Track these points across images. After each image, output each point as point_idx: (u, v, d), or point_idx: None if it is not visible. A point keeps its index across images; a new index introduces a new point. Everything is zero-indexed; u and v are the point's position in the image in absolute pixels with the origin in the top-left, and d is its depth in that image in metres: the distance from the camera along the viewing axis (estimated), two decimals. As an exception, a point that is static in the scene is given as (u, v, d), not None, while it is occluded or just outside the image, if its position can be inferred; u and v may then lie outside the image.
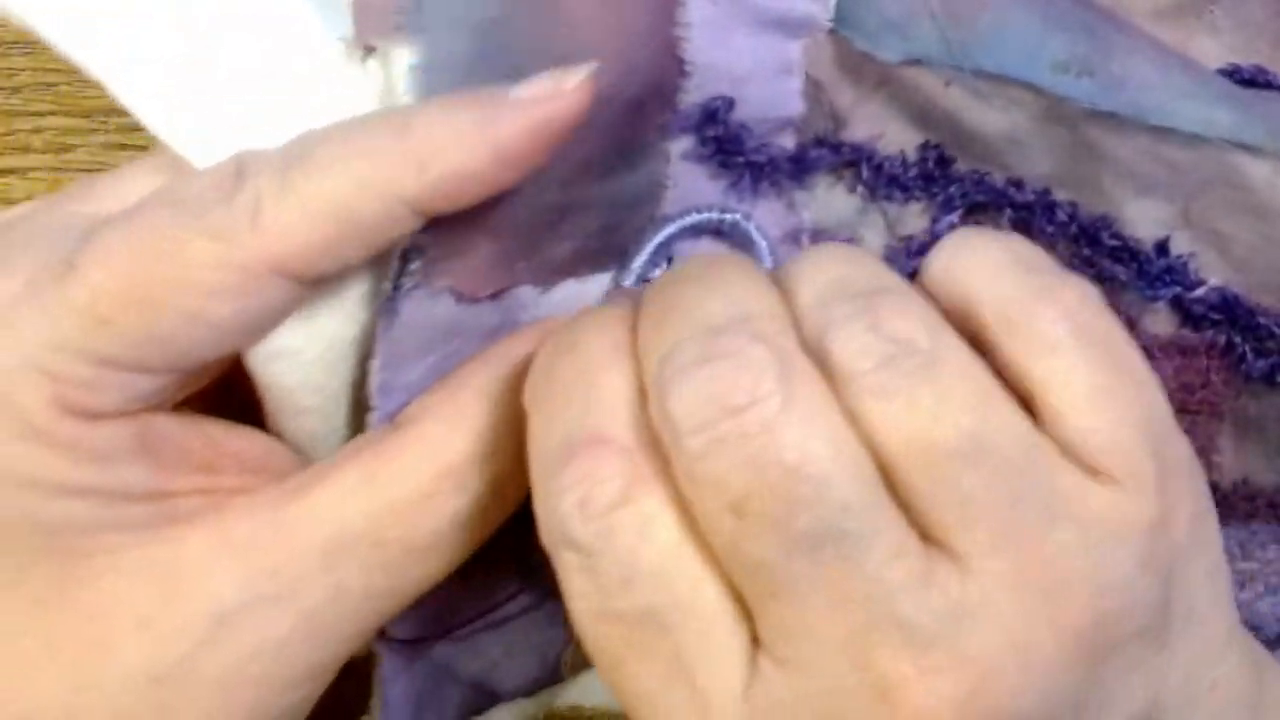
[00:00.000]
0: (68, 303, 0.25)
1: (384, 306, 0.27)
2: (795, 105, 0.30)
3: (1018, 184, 0.32)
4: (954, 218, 0.32)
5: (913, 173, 0.32)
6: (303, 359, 0.27)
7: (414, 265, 0.27)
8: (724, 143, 0.30)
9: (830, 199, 0.32)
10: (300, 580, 0.26)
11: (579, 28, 0.27)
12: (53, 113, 0.37)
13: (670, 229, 0.30)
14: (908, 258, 0.32)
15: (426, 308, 0.27)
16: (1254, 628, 0.30)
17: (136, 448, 0.26)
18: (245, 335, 0.26)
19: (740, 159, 0.30)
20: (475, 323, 0.28)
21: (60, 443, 0.25)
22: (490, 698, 0.34)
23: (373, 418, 0.28)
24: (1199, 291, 0.31)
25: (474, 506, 0.27)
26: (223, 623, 0.26)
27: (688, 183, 0.30)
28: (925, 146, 0.31)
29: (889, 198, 0.32)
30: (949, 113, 0.31)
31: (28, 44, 0.39)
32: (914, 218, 0.32)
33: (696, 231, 0.30)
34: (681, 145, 0.30)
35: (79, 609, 0.26)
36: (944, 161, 0.32)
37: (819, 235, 0.32)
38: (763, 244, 0.31)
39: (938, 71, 0.30)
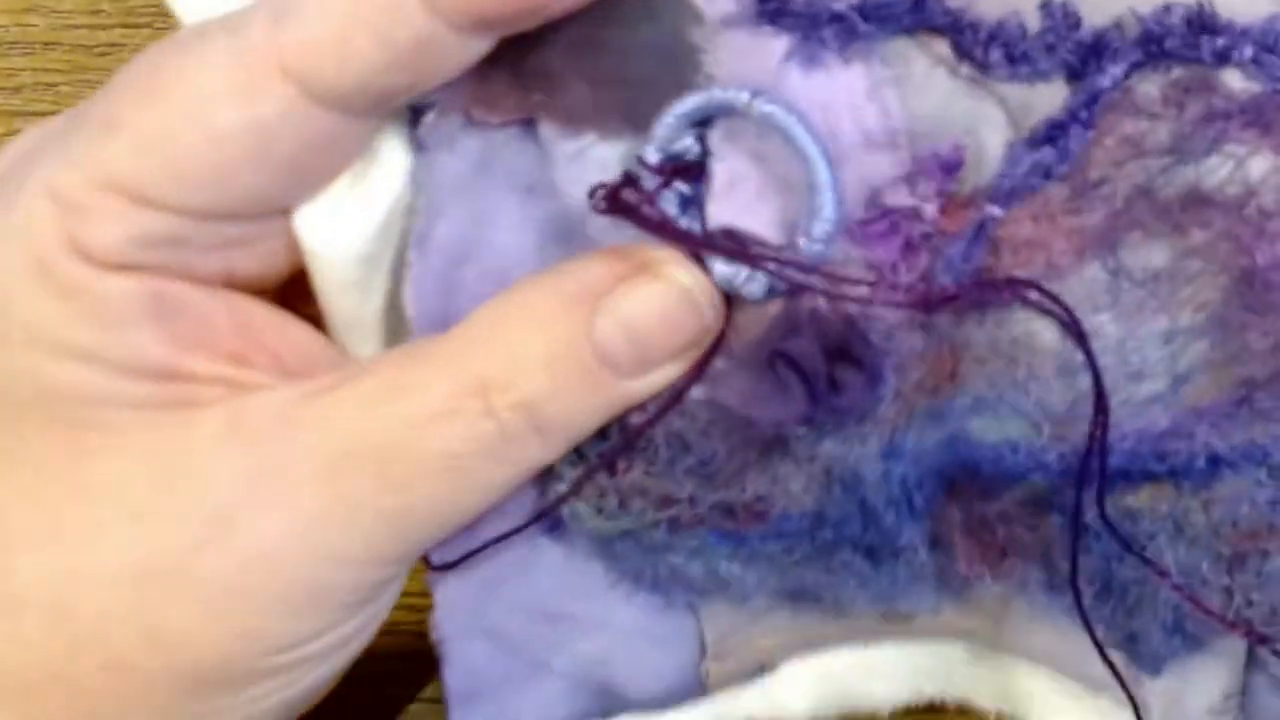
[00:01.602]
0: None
1: (415, 149, 0.26)
2: None
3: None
4: (1102, 87, 0.25)
5: (1036, 43, 0.25)
6: (347, 222, 0.26)
7: (429, 117, 0.26)
8: None
9: (930, 85, 0.25)
10: (303, 487, 0.25)
11: None
12: (53, 113, 0.36)
13: (688, 102, 0.25)
14: (1031, 149, 0.25)
15: (449, 136, 0.26)
16: None
17: (149, 312, 0.25)
18: (260, 168, 0.24)
19: (784, 12, 0.25)
20: (504, 165, 0.26)
21: (68, 289, 0.24)
22: (613, 700, 0.30)
23: (409, 276, 0.27)
24: None
25: (500, 435, 0.25)
26: (219, 522, 0.24)
27: (732, 49, 0.25)
28: (1048, 4, 0.25)
29: (1009, 77, 0.25)
30: None
31: (28, 44, 0.40)
32: (1044, 99, 0.25)
33: (727, 111, 0.25)
34: (719, 2, 0.25)
35: (78, 488, 0.25)
36: (1073, 18, 0.25)
37: (917, 137, 0.25)
38: (810, 145, 0.25)
39: None
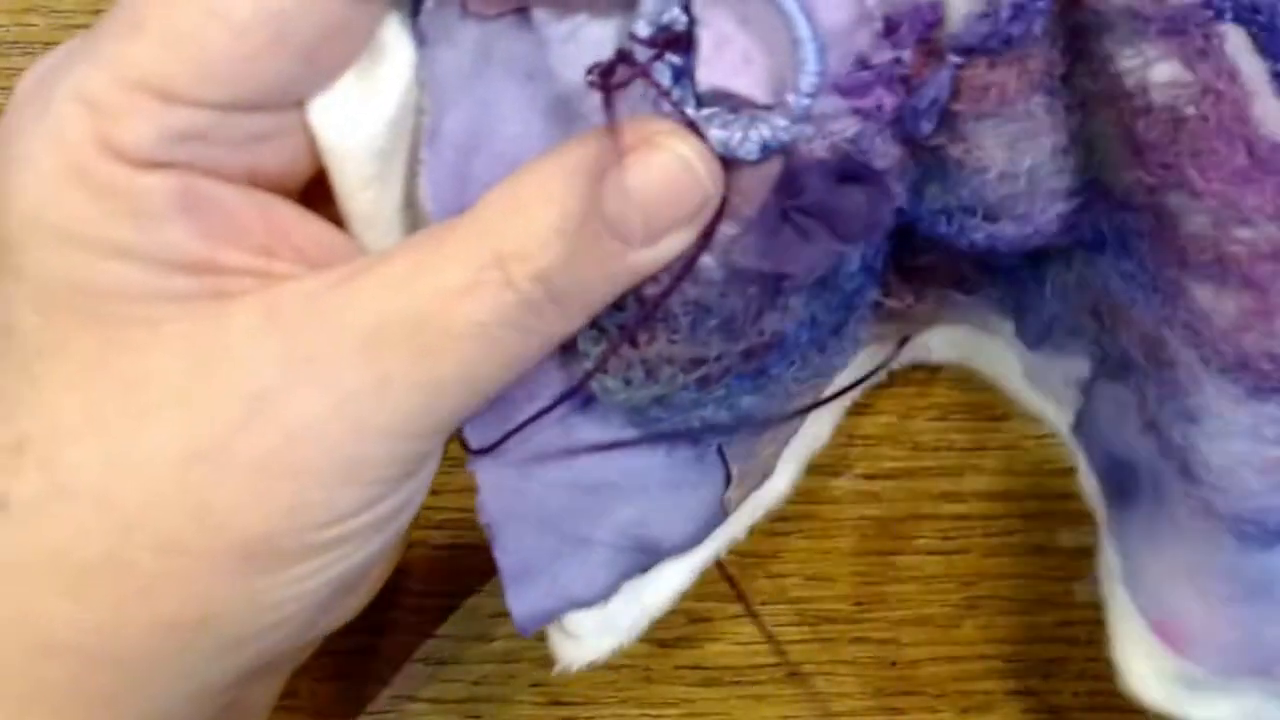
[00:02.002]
0: (107, 20, 0.25)
1: (416, 41, 0.27)
2: None
3: None
4: None
5: None
6: (359, 115, 0.27)
7: (429, 3, 0.27)
8: None
9: None
10: (339, 365, 0.26)
11: None
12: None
13: None
14: (994, 24, 0.28)
15: (447, 29, 0.27)
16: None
17: (180, 207, 0.26)
18: (277, 55, 0.25)
19: None
20: (504, 54, 0.27)
21: (102, 188, 0.25)
22: (650, 554, 0.32)
23: (423, 171, 0.28)
24: None
25: (520, 305, 0.26)
26: (260, 403, 0.25)
27: None
28: None
29: None
30: None
31: (28, 44, 0.40)
32: None
33: None
34: None
35: (120, 380, 0.26)
36: None
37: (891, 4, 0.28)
38: (788, 3, 0.27)
39: None
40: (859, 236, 0.28)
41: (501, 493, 0.30)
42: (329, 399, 0.25)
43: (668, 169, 0.26)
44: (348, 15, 0.26)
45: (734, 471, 0.33)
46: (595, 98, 0.26)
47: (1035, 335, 0.34)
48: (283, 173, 0.28)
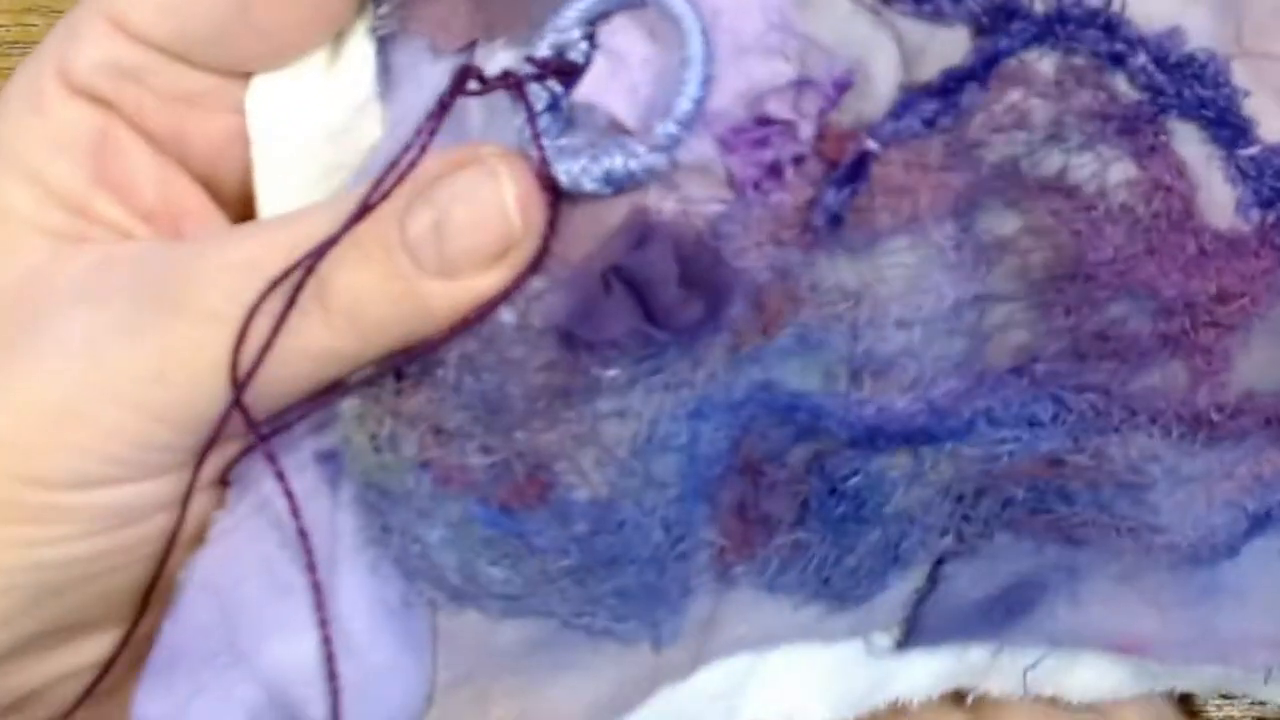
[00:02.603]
0: None
1: (378, 61, 0.27)
2: None
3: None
4: (1003, 51, 0.25)
5: None
6: (299, 112, 0.27)
7: (384, 9, 0.26)
8: None
9: (830, 7, 0.25)
10: (108, 300, 0.26)
11: None
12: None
13: None
14: (925, 98, 0.25)
15: (414, 67, 0.27)
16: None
17: (90, 143, 0.27)
18: (221, 6, 0.26)
19: None
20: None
21: (41, 106, 0.27)
22: None
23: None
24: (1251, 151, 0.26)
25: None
26: (36, 321, 0.26)
27: None
28: None
29: (913, 14, 0.25)
30: None
31: (28, 44, 0.40)
32: (941, 45, 0.25)
33: (624, 5, 0.25)
34: None
35: None
36: None
37: (808, 53, 0.24)
38: (688, 16, 0.24)
39: None
40: (676, 331, 0.24)
41: (219, 544, 0.26)
42: (79, 339, 0.25)
43: (479, 188, 0.24)
44: None
45: (440, 677, 0.26)
46: (485, 133, 0.25)
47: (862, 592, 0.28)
48: (212, 155, 0.28)
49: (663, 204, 0.24)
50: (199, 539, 0.27)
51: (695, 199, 0.24)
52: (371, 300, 0.24)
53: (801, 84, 0.24)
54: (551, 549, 0.25)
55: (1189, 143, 0.26)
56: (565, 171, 0.24)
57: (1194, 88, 0.25)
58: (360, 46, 0.27)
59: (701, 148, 0.24)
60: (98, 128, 0.27)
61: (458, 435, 0.25)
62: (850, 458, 0.26)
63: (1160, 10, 0.25)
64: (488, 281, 0.24)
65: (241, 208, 0.29)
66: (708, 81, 0.24)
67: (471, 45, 0.27)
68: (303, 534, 0.25)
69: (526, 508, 0.25)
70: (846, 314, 0.25)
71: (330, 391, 0.25)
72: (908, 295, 0.25)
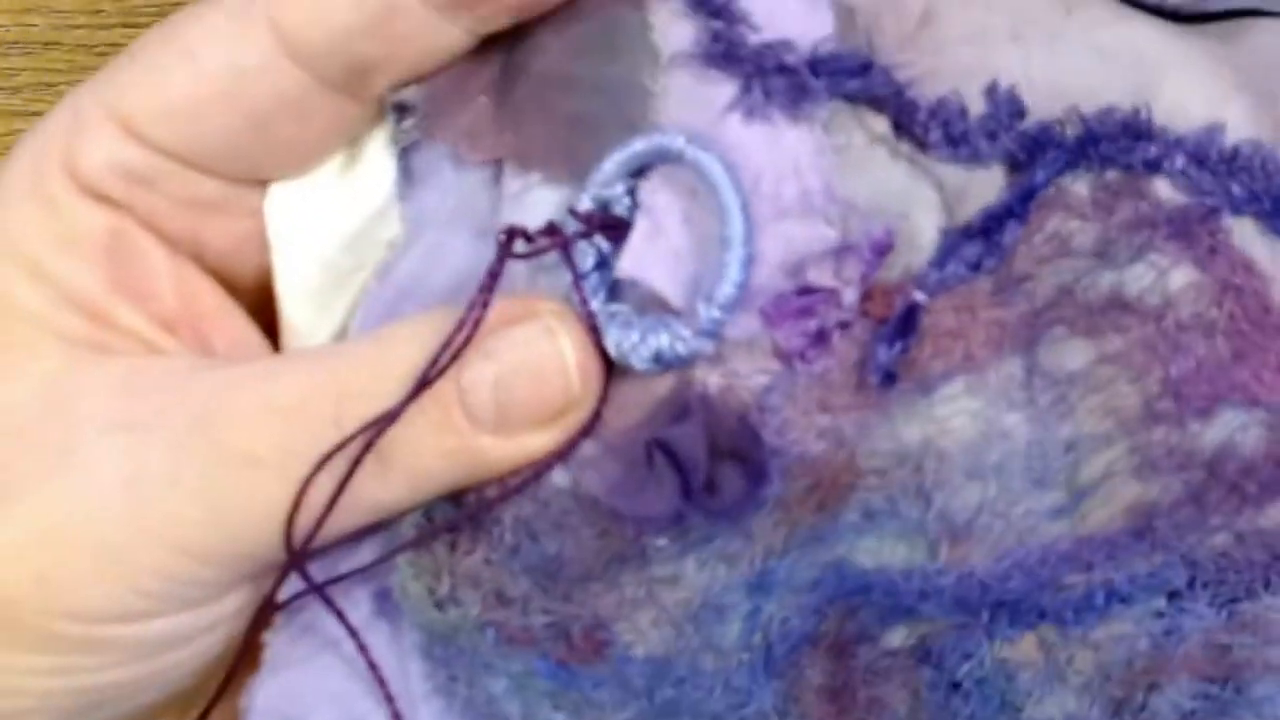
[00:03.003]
0: (136, 43, 0.26)
1: (399, 167, 0.26)
2: (825, 21, 0.25)
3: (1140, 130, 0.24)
4: (1038, 184, 0.24)
5: (976, 126, 0.24)
6: (320, 219, 0.27)
7: (408, 122, 0.26)
8: (717, 32, 0.24)
9: (868, 163, 0.25)
10: (142, 443, 0.25)
11: None
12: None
13: (629, 150, 0.24)
14: (967, 241, 0.24)
15: (437, 173, 0.26)
16: None
17: (103, 247, 0.26)
18: (234, 113, 0.25)
19: (738, 56, 0.24)
20: (472, 203, 0.26)
21: (48, 200, 0.25)
22: None
23: (362, 300, 0.27)
24: None
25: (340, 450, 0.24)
26: (61, 459, 0.25)
27: (681, 95, 0.25)
28: (993, 89, 0.24)
29: (949, 159, 0.24)
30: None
31: (28, 44, 0.39)
32: (981, 185, 0.25)
33: (665, 158, 0.24)
34: (674, 40, 0.25)
35: None
36: (1017, 106, 0.24)
37: (849, 214, 0.24)
38: (729, 195, 0.24)
39: None
40: (712, 513, 0.24)
41: (274, 682, 0.26)
42: (118, 473, 0.24)
43: (537, 349, 0.24)
44: (309, 96, 0.25)
45: None
46: (518, 265, 0.24)
47: None
48: (228, 254, 0.27)
49: (709, 378, 0.24)
50: (227, 641, 0.26)
51: (741, 373, 0.24)
52: (427, 455, 0.24)
53: (841, 250, 0.24)
54: (610, 703, 0.25)
55: (1250, 237, 0.25)
56: (615, 345, 0.24)
57: (1243, 182, 0.25)
58: (378, 154, 0.27)
59: (746, 322, 0.24)
60: (111, 229, 0.26)
61: (519, 598, 0.25)
62: (958, 641, 0.25)
63: (1198, 109, 0.25)
64: (542, 441, 0.24)
65: (258, 301, 0.28)
66: (749, 262, 0.24)
67: (497, 162, 0.26)
68: (379, 679, 0.26)
69: (585, 664, 0.25)
70: (911, 477, 0.24)
71: (374, 529, 0.25)
72: (975, 444, 0.24)
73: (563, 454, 0.24)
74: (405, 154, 0.26)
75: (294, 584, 0.25)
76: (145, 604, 0.24)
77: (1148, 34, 0.25)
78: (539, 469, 0.24)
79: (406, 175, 0.26)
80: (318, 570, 0.25)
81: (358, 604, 0.26)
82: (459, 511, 0.25)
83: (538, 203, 0.25)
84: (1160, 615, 0.25)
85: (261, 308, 0.28)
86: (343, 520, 0.24)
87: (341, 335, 0.27)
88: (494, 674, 0.25)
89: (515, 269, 0.25)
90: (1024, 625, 0.25)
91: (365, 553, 0.26)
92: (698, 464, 0.24)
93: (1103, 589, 0.25)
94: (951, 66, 0.25)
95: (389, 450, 0.24)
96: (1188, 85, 0.25)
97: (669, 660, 0.25)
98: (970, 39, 0.25)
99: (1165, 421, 0.25)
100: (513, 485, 0.24)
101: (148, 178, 0.26)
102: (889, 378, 0.24)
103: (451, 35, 0.25)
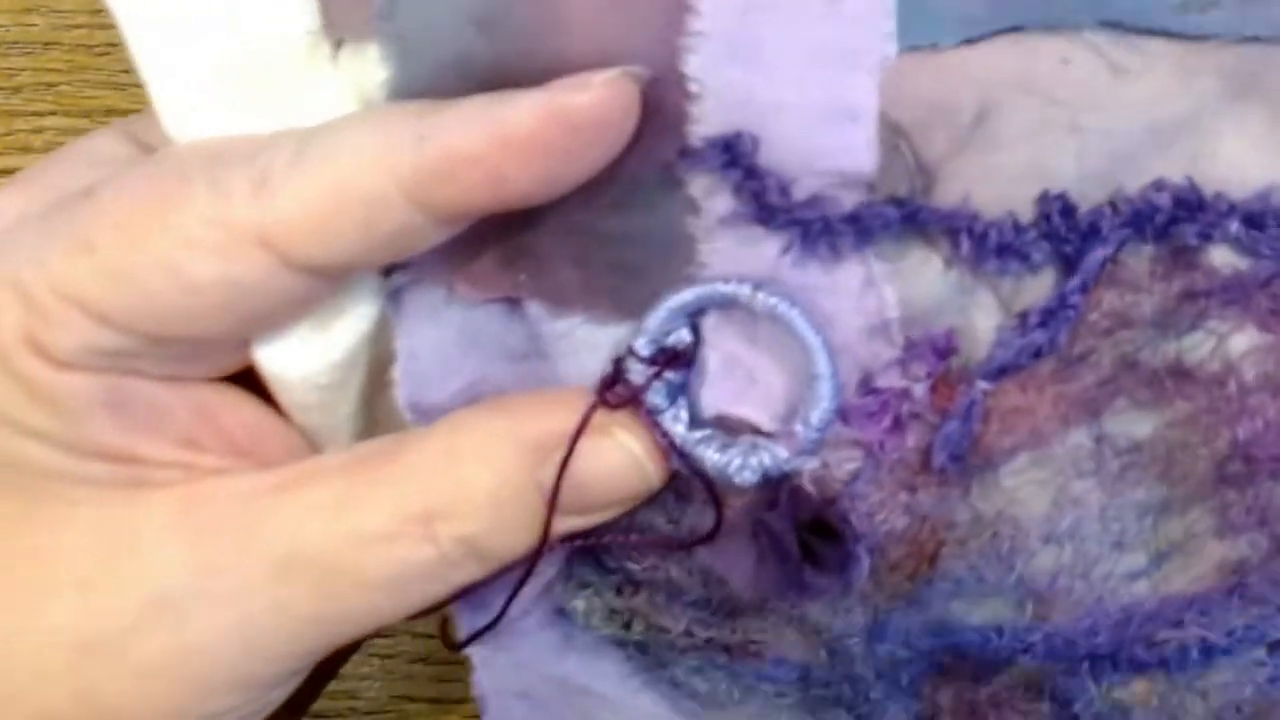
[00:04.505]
0: (67, 219, 0.24)
1: (389, 303, 0.26)
2: (864, 159, 0.24)
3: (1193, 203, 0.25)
4: (1090, 274, 0.25)
5: (1030, 236, 0.24)
6: (309, 359, 0.26)
7: (396, 277, 0.25)
8: (755, 193, 0.24)
9: (923, 275, 0.25)
10: (245, 586, 0.25)
11: (572, 36, 0.23)
12: (53, 113, 0.36)
13: (686, 295, 0.25)
14: (1023, 334, 0.25)
15: (431, 308, 0.26)
16: None
17: (103, 403, 0.25)
18: (228, 316, 0.24)
19: (781, 214, 0.24)
20: (493, 339, 0.26)
21: (23, 379, 0.24)
22: None
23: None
24: None
25: (439, 561, 0.25)
26: (159, 609, 0.25)
27: (729, 241, 0.25)
28: (1044, 199, 0.24)
29: (1002, 271, 0.25)
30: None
31: (28, 44, 0.39)
32: (1036, 281, 0.25)
33: (725, 303, 0.25)
34: (713, 201, 0.25)
35: (28, 552, 0.25)
36: (1069, 211, 0.24)
37: (910, 323, 0.25)
38: (811, 337, 0.25)
39: (1050, 37, 0.24)
40: (814, 589, 0.26)
41: (495, 671, 0.29)
42: (228, 617, 0.25)
43: (613, 458, 0.26)
44: (310, 289, 0.25)
45: None
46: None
47: None
48: (216, 372, 0.27)
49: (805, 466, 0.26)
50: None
51: (829, 464, 0.26)
52: (521, 545, 0.26)
53: (906, 358, 0.25)
54: (773, 689, 0.28)
55: None
56: (714, 467, 0.26)
57: None
58: (356, 297, 0.26)
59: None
60: (100, 388, 0.25)
61: (677, 630, 0.28)
62: (1065, 683, 0.26)
63: (1253, 171, 0.25)
64: (621, 510, 0.27)
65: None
66: (839, 391, 0.25)
67: (508, 300, 0.26)
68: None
69: (747, 664, 0.28)
70: (989, 544, 0.26)
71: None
72: (1048, 512, 0.26)
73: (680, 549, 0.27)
74: (396, 292, 0.26)
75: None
76: (266, 692, 0.27)
77: (1206, 99, 0.24)
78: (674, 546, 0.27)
79: (393, 309, 0.26)
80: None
81: (543, 628, 0.29)
82: (618, 580, 0.28)
83: (586, 340, 0.26)
84: (1261, 664, 0.26)
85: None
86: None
87: (363, 410, 0.28)
88: (677, 665, 0.29)
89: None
90: (1128, 672, 0.26)
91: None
92: (789, 552, 0.26)
93: (1197, 644, 0.26)
94: (1004, 169, 0.24)
95: (483, 546, 0.26)
96: (1245, 147, 0.24)
97: (810, 669, 0.28)
98: (1026, 137, 0.24)
99: (1238, 483, 0.25)
100: (654, 561, 0.27)
101: (130, 353, 0.25)
102: (955, 459, 0.25)
103: (460, 227, 0.25)
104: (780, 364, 0.26)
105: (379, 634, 0.39)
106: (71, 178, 0.26)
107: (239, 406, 0.27)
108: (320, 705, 0.39)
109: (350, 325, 0.26)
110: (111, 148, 0.27)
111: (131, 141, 0.27)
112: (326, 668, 0.31)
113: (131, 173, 0.25)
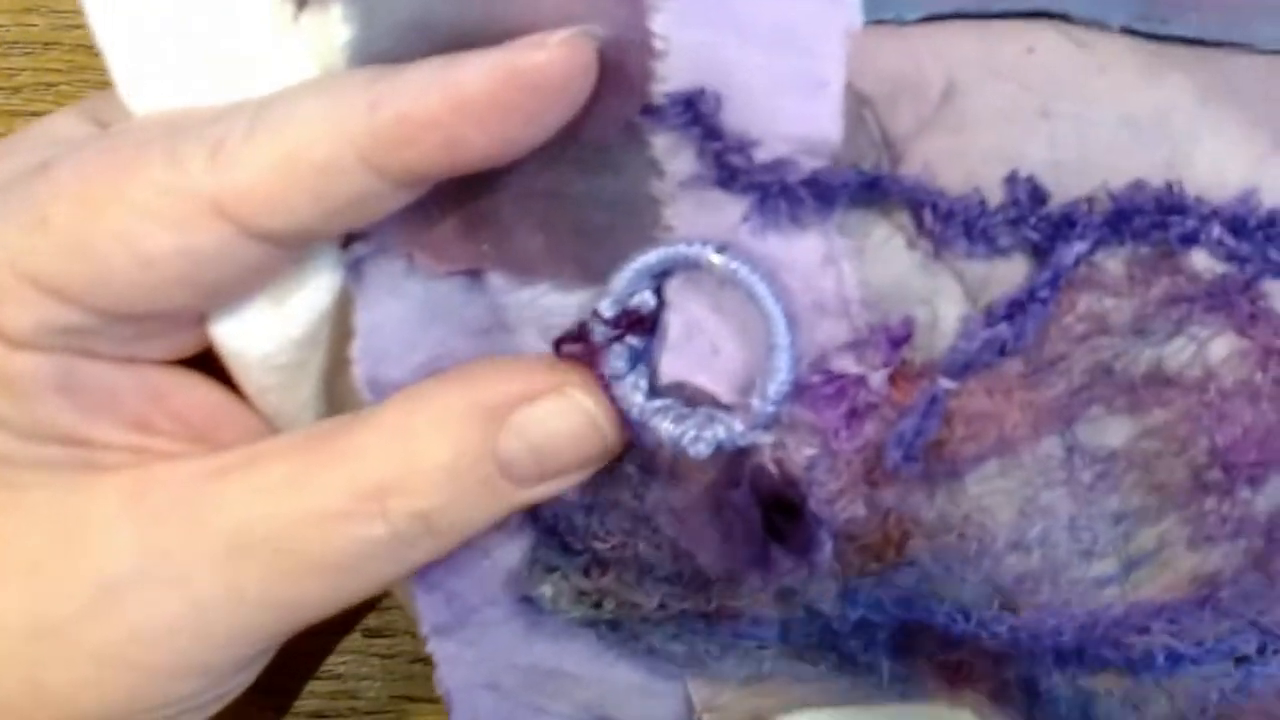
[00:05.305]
0: (22, 195, 0.24)
1: (349, 275, 0.25)
2: (830, 127, 0.24)
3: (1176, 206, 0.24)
4: (1064, 267, 0.24)
5: (996, 218, 0.24)
6: (267, 335, 0.26)
7: (357, 244, 0.25)
8: (716, 154, 0.24)
9: (886, 256, 0.24)
10: (195, 570, 0.25)
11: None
12: (52, 112, 0.36)
13: (651, 256, 0.25)
14: (988, 327, 0.24)
15: (392, 280, 0.25)
16: None
17: (55, 385, 0.25)
18: (186, 289, 0.24)
19: (742, 176, 0.24)
20: (454, 312, 0.26)
21: None
22: None
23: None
24: None
25: (393, 538, 0.25)
26: (109, 594, 0.25)
27: (692, 204, 0.25)
28: (1013, 179, 0.24)
29: (968, 254, 0.24)
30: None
31: (28, 44, 0.40)
32: (1004, 272, 0.24)
33: (689, 266, 0.25)
34: (676, 161, 0.24)
35: None
36: (1038, 195, 0.24)
37: (873, 307, 0.25)
38: (771, 304, 0.24)
39: (1012, 27, 0.23)
40: (780, 564, 0.26)
41: (459, 666, 0.29)
42: (179, 602, 0.25)
43: (571, 419, 0.25)
44: (268, 257, 0.24)
45: (697, 701, 0.30)
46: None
47: None
48: (172, 354, 0.26)
49: (758, 453, 0.26)
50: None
51: (789, 445, 0.25)
52: (477, 518, 0.26)
53: (860, 342, 0.25)
54: (753, 644, 0.28)
55: None
56: (669, 437, 0.25)
57: None
58: (315, 269, 0.26)
59: (786, 405, 0.25)
60: (54, 369, 0.25)
61: (650, 606, 0.28)
62: (1030, 667, 0.26)
63: (1235, 174, 0.24)
64: (580, 478, 0.26)
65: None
66: (796, 362, 0.25)
67: (469, 272, 0.26)
68: None
69: (725, 625, 0.28)
70: (956, 544, 0.25)
71: None
72: (1016, 521, 0.25)
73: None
74: (355, 264, 0.26)
75: None
76: (223, 679, 0.26)
77: (1178, 98, 0.24)
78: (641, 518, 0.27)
79: (353, 280, 0.26)
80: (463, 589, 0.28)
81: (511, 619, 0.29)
82: (585, 561, 0.27)
83: (552, 308, 0.26)
84: (1228, 675, 0.25)
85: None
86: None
87: (323, 392, 0.27)
88: (652, 636, 0.28)
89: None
90: (1094, 667, 0.26)
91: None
92: (754, 531, 0.26)
93: (1163, 650, 0.25)
94: (973, 149, 0.24)
95: (439, 522, 0.25)
96: (1223, 150, 0.24)
97: (789, 623, 0.27)
98: (996, 120, 0.24)
99: (1215, 491, 0.25)
100: (624, 534, 0.27)
101: (86, 330, 0.25)
102: (910, 459, 0.25)
103: (419, 191, 0.24)
104: (743, 334, 0.25)
105: (379, 634, 0.38)
106: (31, 157, 0.25)
107: (194, 389, 0.27)
108: (320, 705, 0.39)
109: (309, 300, 0.26)
110: (71, 127, 0.27)
111: (92, 121, 0.27)
112: (307, 660, 0.31)
113: (88, 147, 0.25)
